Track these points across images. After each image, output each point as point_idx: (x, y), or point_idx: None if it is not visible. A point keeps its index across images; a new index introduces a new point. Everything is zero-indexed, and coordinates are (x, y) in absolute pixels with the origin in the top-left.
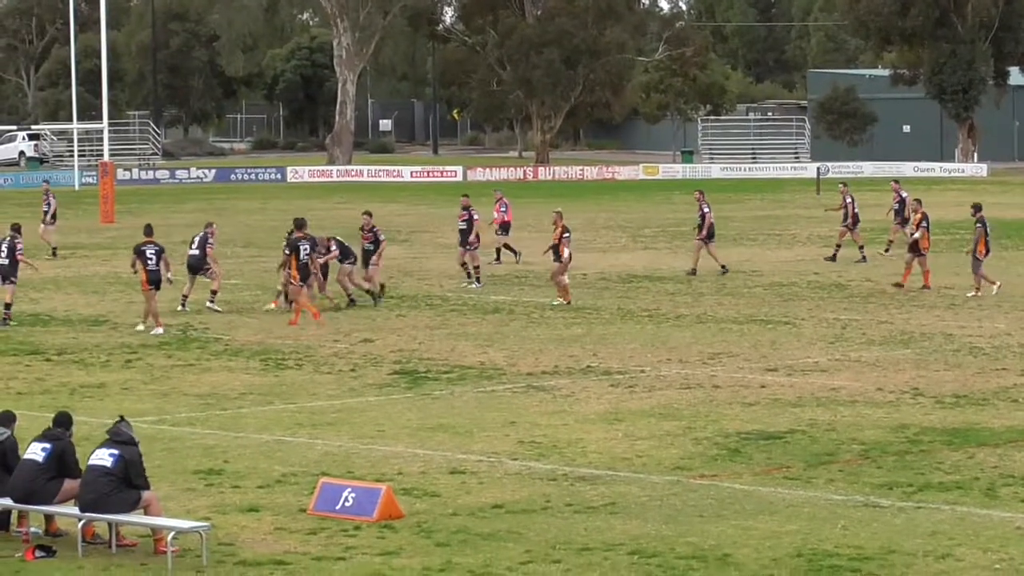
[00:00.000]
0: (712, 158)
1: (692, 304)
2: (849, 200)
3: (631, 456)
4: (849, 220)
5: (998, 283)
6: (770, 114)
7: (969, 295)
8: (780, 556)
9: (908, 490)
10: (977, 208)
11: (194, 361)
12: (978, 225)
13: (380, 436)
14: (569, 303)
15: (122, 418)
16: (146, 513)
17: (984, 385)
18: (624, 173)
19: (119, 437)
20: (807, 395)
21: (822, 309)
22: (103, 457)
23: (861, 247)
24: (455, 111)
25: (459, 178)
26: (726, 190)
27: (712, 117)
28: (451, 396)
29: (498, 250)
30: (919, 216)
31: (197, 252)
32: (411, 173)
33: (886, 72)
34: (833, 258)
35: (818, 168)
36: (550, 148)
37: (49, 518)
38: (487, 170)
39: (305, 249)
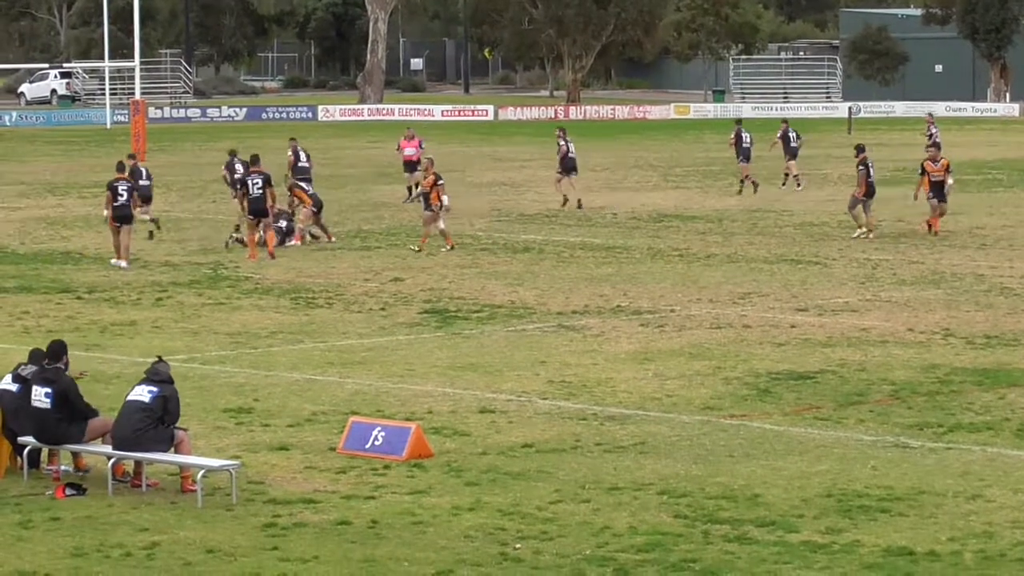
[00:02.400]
0: (743, 97)
1: (722, 244)
2: (733, 137)
3: (661, 396)
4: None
5: (863, 229)
6: (802, 53)
7: (855, 235)
8: (810, 496)
9: (938, 431)
10: (860, 149)
11: (224, 300)
12: (860, 167)
13: (410, 375)
14: (452, 247)
15: (160, 358)
16: (176, 451)
17: (1015, 326)
18: (655, 112)
19: (157, 376)
20: (837, 335)
21: (853, 249)
22: (141, 394)
23: (747, 180)
24: (486, 50)
25: (490, 117)
26: (757, 129)
27: (744, 56)
28: (481, 335)
29: (409, 188)
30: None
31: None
32: (442, 112)
33: (918, 11)
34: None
35: (850, 108)
36: (581, 87)
37: (76, 454)
38: (518, 109)
39: (257, 184)
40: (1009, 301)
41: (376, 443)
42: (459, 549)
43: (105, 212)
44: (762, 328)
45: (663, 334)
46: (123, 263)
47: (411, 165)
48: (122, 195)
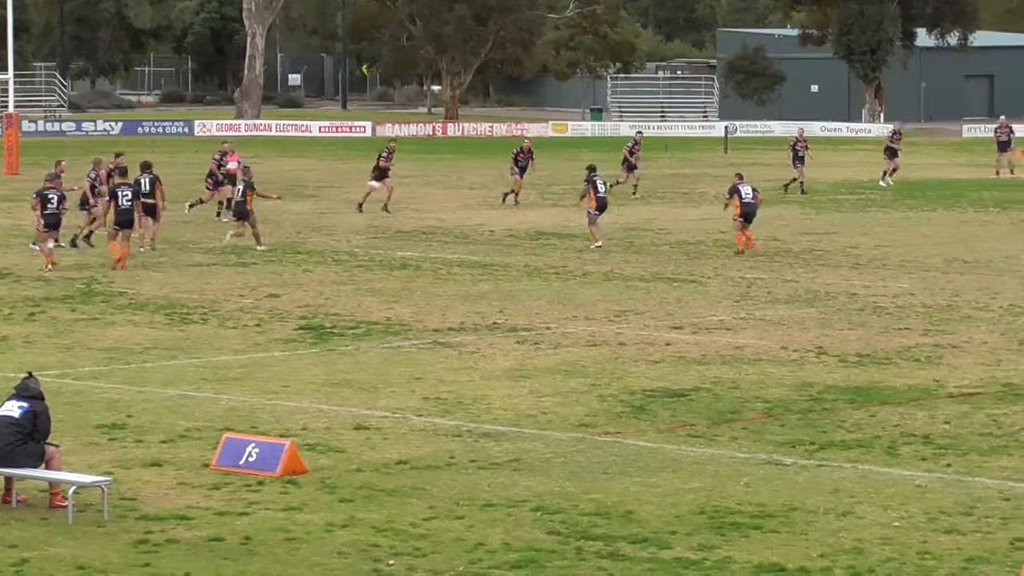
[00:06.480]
0: (621, 116)
1: (599, 261)
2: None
3: (536, 413)
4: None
5: (600, 242)
6: (679, 72)
7: (592, 247)
8: (683, 513)
9: (811, 448)
10: (591, 169)
11: (98, 315)
12: (586, 183)
13: (285, 391)
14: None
15: (30, 374)
16: (47, 467)
17: (887, 344)
18: (533, 130)
19: (28, 392)
20: (712, 353)
21: (728, 268)
22: (11, 409)
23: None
24: (365, 66)
25: (368, 133)
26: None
27: (622, 75)
28: (357, 352)
29: (227, 202)
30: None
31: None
32: (320, 128)
33: (795, 32)
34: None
35: (726, 127)
36: (459, 104)
37: None
38: (396, 126)
39: (127, 196)
40: (882, 320)
41: (250, 459)
42: (332, 566)
43: None
44: (637, 346)
45: (539, 351)
46: None
47: (232, 178)
48: None
